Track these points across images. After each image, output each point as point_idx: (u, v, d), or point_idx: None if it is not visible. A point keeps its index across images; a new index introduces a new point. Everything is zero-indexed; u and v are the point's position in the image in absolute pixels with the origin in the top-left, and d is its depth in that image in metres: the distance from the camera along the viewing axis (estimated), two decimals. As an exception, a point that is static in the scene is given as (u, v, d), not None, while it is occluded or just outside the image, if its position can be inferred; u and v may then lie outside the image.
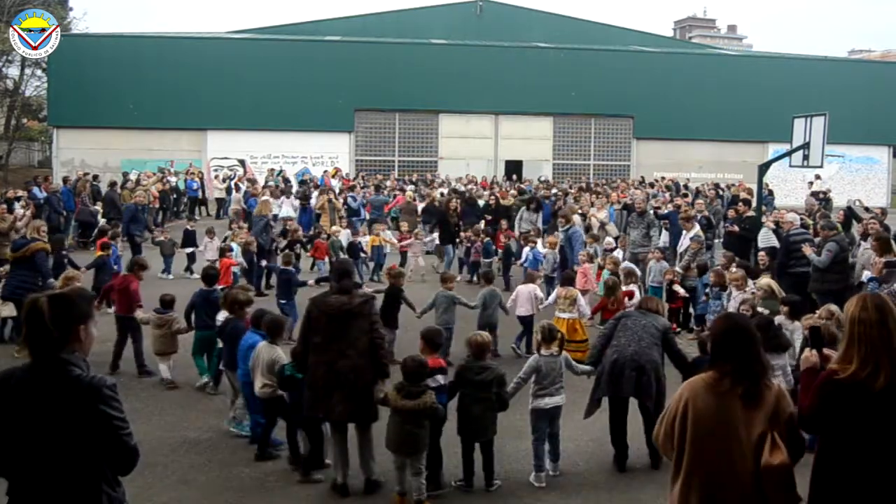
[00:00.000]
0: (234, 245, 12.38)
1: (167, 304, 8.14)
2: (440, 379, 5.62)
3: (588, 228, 14.86)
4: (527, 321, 9.35)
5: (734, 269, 9.46)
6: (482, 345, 5.75)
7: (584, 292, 10.12)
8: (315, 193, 20.04)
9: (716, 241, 14.54)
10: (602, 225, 15.50)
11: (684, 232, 12.16)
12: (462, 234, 15.17)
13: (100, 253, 11.36)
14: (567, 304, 9.24)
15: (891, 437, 3.17)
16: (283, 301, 9.92)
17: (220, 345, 7.24)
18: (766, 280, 8.42)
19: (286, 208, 18.49)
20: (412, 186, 22.94)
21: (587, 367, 6.46)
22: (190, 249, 14.51)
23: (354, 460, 5.69)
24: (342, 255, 12.86)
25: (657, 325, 6.30)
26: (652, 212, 13.60)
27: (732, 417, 3.21)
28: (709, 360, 3.43)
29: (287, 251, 11.65)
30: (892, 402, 3.17)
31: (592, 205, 17.32)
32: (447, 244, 15.31)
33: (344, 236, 14.63)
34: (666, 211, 14.60)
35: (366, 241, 14.53)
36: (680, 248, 12.15)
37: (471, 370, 5.63)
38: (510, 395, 5.82)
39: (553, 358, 5.95)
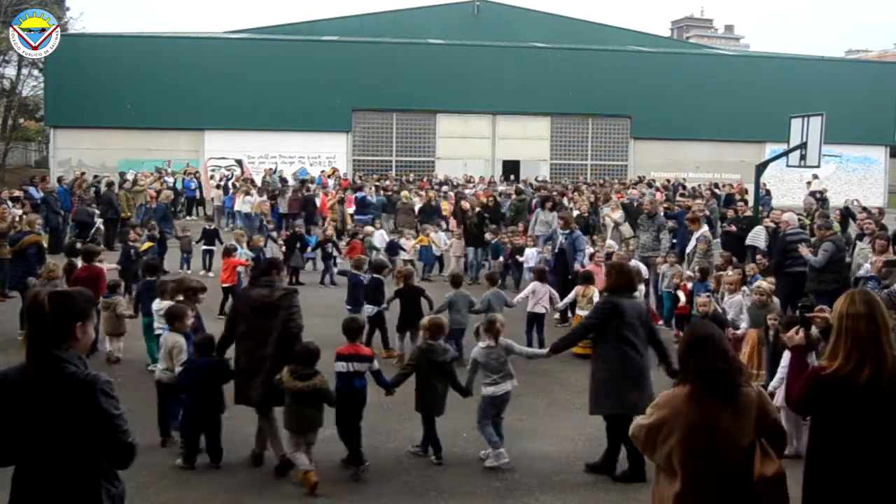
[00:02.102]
0: (237, 245, 12.39)
1: (112, 288, 8.88)
2: (340, 366, 5.87)
3: (596, 229, 14.76)
4: (540, 318, 9.60)
5: (730, 272, 9.25)
6: (440, 326, 6.34)
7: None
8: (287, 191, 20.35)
9: (714, 240, 14.48)
10: (616, 225, 15.25)
11: (695, 232, 11.94)
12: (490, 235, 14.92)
13: (150, 244, 12.62)
14: (585, 301, 9.46)
15: (879, 431, 3.18)
16: (348, 307, 9.56)
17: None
18: (766, 284, 8.29)
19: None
20: (444, 186, 23.10)
21: (537, 351, 7.14)
22: (207, 248, 14.58)
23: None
24: (377, 256, 12.79)
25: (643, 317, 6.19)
26: (661, 213, 13.15)
27: (721, 431, 3.14)
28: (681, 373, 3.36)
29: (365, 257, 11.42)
30: (878, 396, 3.17)
31: (596, 202, 17.16)
32: (469, 246, 14.79)
33: (378, 236, 14.64)
34: (670, 212, 14.46)
35: (408, 243, 14.50)
36: (688, 250, 11.81)
37: (434, 352, 6.16)
38: (466, 386, 6.28)
39: (490, 349, 6.19)
